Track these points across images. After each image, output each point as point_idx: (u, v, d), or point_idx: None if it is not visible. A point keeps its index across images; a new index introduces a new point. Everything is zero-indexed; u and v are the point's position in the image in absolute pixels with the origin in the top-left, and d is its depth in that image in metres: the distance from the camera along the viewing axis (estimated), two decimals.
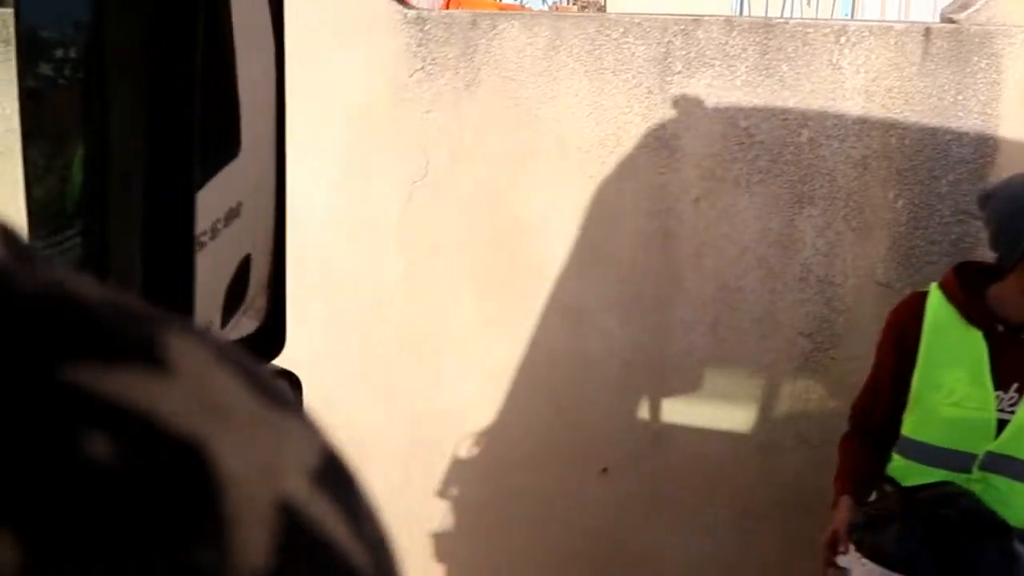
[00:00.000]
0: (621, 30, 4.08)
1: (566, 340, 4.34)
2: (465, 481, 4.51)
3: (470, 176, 4.26)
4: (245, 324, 1.33)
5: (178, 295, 1.01)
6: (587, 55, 4.11)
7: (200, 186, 1.09)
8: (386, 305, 4.41)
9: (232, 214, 1.25)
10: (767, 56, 4.05)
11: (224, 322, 1.28)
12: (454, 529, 4.56)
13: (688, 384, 4.34)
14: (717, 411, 4.33)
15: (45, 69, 1.04)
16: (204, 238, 1.15)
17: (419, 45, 4.20)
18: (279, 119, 1.33)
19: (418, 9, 4.24)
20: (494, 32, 4.14)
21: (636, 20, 4.10)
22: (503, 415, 4.44)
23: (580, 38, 4.10)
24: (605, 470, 4.42)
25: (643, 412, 4.37)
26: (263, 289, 1.34)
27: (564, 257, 4.27)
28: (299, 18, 4.24)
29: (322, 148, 4.32)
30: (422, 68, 4.21)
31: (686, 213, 4.18)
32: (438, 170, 4.27)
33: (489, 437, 4.46)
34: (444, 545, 4.57)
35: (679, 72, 4.08)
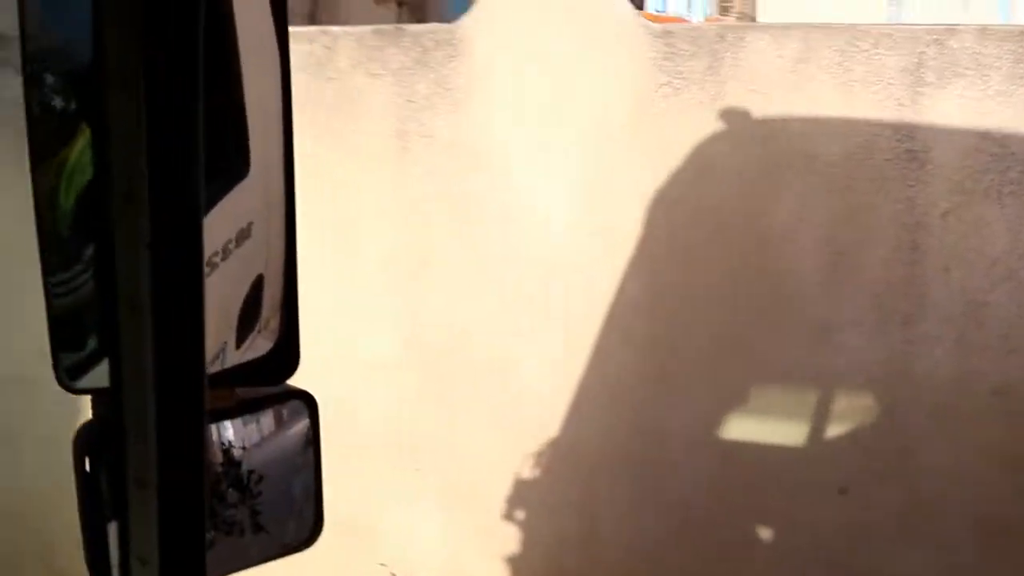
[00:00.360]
0: (872, 41, 4.05)
1: (808, 355, 4.30)
2: (695, 500, 4.48)
3: (715, 190, 4.26)
4: (260, 344, 1.35)
5: (187, 319, 1.03)
6: (836, 67, 4.09)
7: (210, 207, 1.11)
8: (627, 321, 4.42)
9: (243, 235, 1.26)
10: (1022, 65, 3.97)
11: (239, 342, 1.30)
12: (682, 547, 4.54)
13: (933, 400, 4.26)
14: (963, 428, 4.23)
15: (51, 95, 1.06)
16: (216, 259, 1.17)
17: (665, 59, 4.23)
18: (287, 138, 1.34)
19: (665, 23, 4.26)
20: (742, 45, 4.15)
21: (887, 31, 4.07)
22: (739, 432, 4.42)
23: (830, 50, 4.08)
24: (844, 490, 4.36)
25: (887, 429, 4.30)
26: (276, 309, 1.35)
27: (809, 272, 4.24)
28: (546, 32, 4.31)
29: (565, 161, 4.37)
30: (668, 82, 4.24)
31: (935, 227, 4.11)
32: (682, 184, 4.28)
33: (722, 455, 4.44)
34: (671, 562, 4.56)
35: (931, 83, 4.03)
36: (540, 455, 4.58)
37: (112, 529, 1.10)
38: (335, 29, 4.44)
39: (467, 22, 4.40)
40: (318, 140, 4.48)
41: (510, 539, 4.67)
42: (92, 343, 1.09)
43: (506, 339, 4.53)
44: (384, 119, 4.40)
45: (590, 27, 4.32)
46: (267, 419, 1.33)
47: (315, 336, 4.58)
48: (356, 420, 4.65)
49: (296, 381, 4.16)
